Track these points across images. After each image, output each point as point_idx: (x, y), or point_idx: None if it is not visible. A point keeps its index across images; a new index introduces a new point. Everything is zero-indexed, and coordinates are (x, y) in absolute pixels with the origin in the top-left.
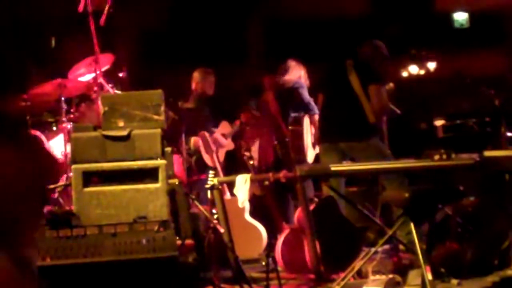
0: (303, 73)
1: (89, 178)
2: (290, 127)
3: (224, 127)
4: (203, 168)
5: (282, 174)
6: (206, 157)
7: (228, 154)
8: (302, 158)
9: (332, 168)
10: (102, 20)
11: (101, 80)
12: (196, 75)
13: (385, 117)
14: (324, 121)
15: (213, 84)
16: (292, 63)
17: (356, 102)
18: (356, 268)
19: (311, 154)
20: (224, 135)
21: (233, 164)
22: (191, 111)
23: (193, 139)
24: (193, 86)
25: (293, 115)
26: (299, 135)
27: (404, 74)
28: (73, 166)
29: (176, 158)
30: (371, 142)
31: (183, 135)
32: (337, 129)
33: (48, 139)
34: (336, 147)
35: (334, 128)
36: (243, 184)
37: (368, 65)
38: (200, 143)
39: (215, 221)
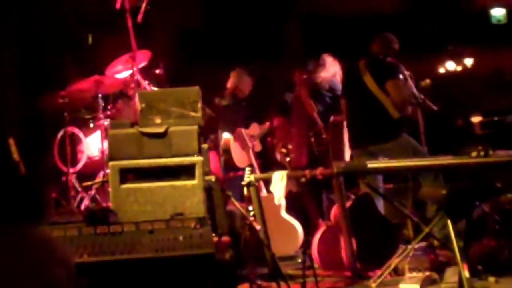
0: (338, 69)
1: (126, 174)
2: (330, 130)
3: (254, 129)
4: (231, 169)
5: (319, 171)
6: (236, 158)
7: (260, 153)
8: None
9: (369, 165)
10: (139, 17)
11: (138, 76)
12: (234, 74)
13: (411, 110)
14: (349, 126)
15: (250, 84)
16: (328, 59)
17: (375, 102)
18: (392, 266)
19: (347, 155)
20: (252, 137)
21: (266, 162)
22: (227, 108)
23: (224, 139)
24: (229, 84)
25: (332, 117)
26: (340, 139)
27: (441, 70)
28: (110, 163)
29: (213, 155)
30: (400, 140)
31: (219, 132)
32: (362, 133)
33: (86, 135)
34: (367, 151)
35: (360, 133)
36: (279, 181)
37: (380, 62)
38: (232, 142)
39: (252, 218)
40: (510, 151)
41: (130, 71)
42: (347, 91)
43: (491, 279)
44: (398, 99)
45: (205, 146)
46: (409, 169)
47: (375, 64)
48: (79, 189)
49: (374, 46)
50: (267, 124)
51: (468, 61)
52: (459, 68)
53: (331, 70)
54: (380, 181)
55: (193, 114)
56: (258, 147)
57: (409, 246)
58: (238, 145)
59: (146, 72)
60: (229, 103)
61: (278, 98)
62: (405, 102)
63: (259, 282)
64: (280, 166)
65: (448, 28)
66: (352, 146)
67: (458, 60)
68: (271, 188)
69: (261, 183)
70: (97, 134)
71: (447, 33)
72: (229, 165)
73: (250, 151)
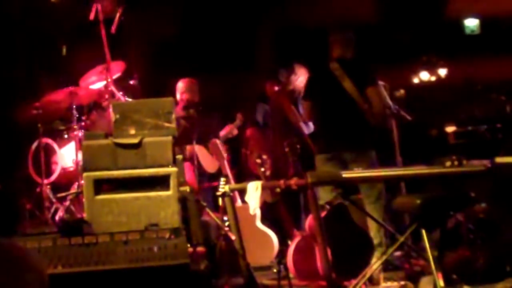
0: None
1: (101, 186)
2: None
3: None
4: (202, 176)
5: (293, 181)
6: (206, 164)
7: (235, 162)
8: None
9: (344, 175)
10: (113, 28)
11: (112, 88)
12: (180, 85)
13: (391, 121)
14: (321, 131)
15: (197, 92)
16: (300, 69)
17: (355, 108)
18: (367, 275)
19: None
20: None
21: (241, 172)
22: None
23: (188, 148)
24: (178, 96)
25: None
26: None
27: (415, 80)
28: (85, 174)
29: (188, 166)
30: (372, 153)
31: (194, 143)
32: (341, 139)
33: (60, 147)
34: (338, 156)
35: (338, 138)
36: (254, 191)
37: (359, 66)
38: (196, 148)
39: (227, 229)
40: (484, 161)
41: (104, 82)
42: (318, 96)
43: None
44: (379, 106)
45: (179, 156)
46: (384, 179)
47: (354, 68)
48: (54, 200)
49: (337, 49)
50: (230, 126)
51: (442, 71)
52: (433, 78)
53: (303, 79)
54: None
55: (167, 125)
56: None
57: (384, 256)
58: (206, 152)
59: (120, 83)
60: (187, 115)
61: (250, 109)
62: (384, 111)
63: None
64: (254, 177)
65: (422, 38)
66: (321, 151)
67: (432, 70)
68: (246, 198)
69: (236, 194)
70: (72, 145)
71: (421, 43)
72: (199, 171)
73: (225, 162)
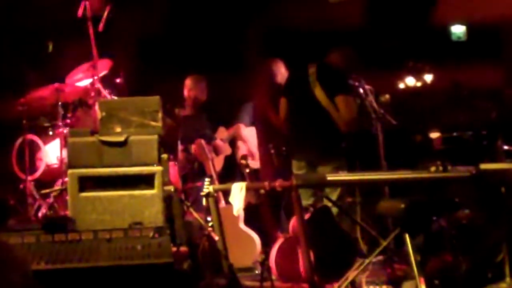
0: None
1: (85, 183)
2: None
3: (221, 133)
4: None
5: (278, 183)
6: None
7: (227, 160)
8: None
9: (328, 178)
10: (101, 25)
11: (98, 85)
12: (188, 82)
13: (377, 125)
14: (293, 138)
15: (205, 89)
16: (279, 63)
17: (325, 118)
18: (350, 278)
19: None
20: (222, 140)
21: (231, 171)
22: (189, 119)
23: (193, 146)
24: (186, 93)
25: None
26: None
27: (401, 86)
28: (69, 171)
29: (171, 165)
30: (333, 160)
31: (179, 143)
32: (308, 148)
33: (45, 143)
34: (310, 164)
35: (305, 148)
36: (238, 192)
37: (333, 73)
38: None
39: (210, 229)
40: (469, 167)
41: (90, 80)
42: (293, 98)
43: None
44: (348, 116)
45: (164, 156)
46: (369, 183)
47: (327, 75)
48: (37, 196)
49: (333, 58)
50: (235, 126)
51: (428, 77)
52: (419, 84)
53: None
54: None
55: (153, 123)
56: (229, 151)
57: (367, 260)
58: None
59: (106, 80)
60: (191, 113)
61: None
62: (354, 122)
63: None
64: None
65: (408, 44)
66: (293, 157)
67: (418, 76)
68: (230, 199)
69: (220, 194)
70: (56, 142)
71: (408, 49)
72: (202, 171)
73: (210, 162)
